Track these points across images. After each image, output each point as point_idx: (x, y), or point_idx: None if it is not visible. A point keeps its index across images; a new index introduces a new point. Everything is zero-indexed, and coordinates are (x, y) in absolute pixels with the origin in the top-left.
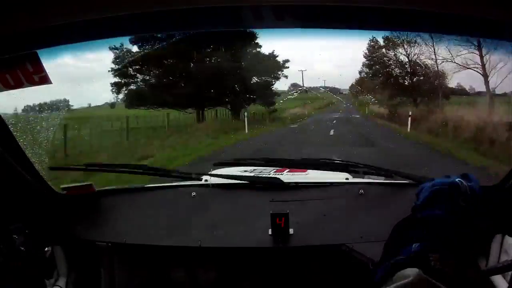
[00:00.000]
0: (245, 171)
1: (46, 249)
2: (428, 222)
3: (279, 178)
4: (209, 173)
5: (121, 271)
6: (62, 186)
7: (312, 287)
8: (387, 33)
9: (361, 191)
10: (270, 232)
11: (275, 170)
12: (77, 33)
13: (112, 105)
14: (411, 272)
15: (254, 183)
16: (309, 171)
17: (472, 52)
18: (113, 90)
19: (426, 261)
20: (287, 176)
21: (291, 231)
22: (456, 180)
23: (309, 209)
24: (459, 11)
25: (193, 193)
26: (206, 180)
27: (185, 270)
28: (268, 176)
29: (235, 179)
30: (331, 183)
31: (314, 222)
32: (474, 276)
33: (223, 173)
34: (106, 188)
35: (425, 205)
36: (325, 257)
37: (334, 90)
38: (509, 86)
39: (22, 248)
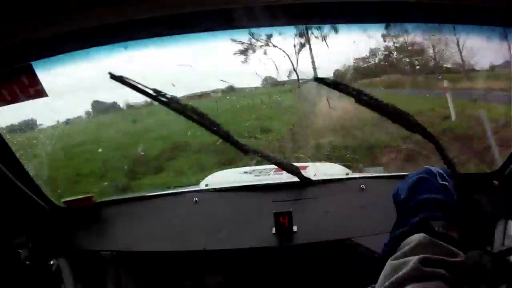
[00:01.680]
0: (245, 172)
1: (51, 262)
2: (425, 205)
3: (279, 178)
4: (209, 177)
5: (127, 279)
6: (63, 200)
7: (318, 283)
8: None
9: (362, 185)
10: (274, 231)
11: (274, 170)
12: (72, 42)
13: None
14: (415, 237)
15: (255, 185)
16: (309, 168)
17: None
18: None
19: (429, 228)
20: (287, 175)
21: (294, 228)
22: (427, 167)
23: (311, 206)
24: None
25: (195, 199)
26: (206, 185)
27: (191, 274)
28: (268, 176)
29: (235, 182)
30: (332, 180)
31: (317, 218)
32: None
33: (222, 177)
34: (107, 199)
35: (413, 193)
36: (330, 252)
37: None
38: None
39: (28, 263)
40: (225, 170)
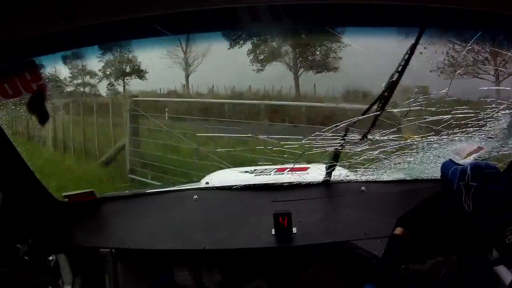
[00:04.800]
0: (246, 171)
1: (50, 257)
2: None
3: (279, 178)
4: (210, 175)
5: (125, 276)
6: (64, 194)
7: (317, 285)
8: None
9: (363, 188)
10: (273, 232)
11: (275, 170)
12: (75, 39)
13: None
14: None
15: (255, 185)
16: (310, 169)
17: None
18: None
19: None
20: (288, 176)
21: (294, 230)
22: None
23: (311, 207)
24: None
25: (195, 196)
26: (207, 183)
27: (190, 273)
28: (269, 176)
29: (235, 181)
30: (332, 181)
31: (317, 220)
32: None
33: (223, 176)
34: (108, 194)
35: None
36: (329, 255)
37: None
38: None
39: (26, 258)
40: (226, 169)
